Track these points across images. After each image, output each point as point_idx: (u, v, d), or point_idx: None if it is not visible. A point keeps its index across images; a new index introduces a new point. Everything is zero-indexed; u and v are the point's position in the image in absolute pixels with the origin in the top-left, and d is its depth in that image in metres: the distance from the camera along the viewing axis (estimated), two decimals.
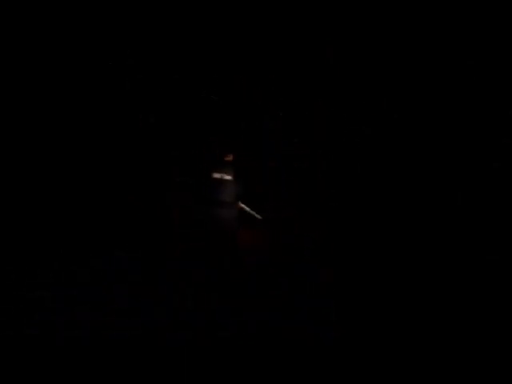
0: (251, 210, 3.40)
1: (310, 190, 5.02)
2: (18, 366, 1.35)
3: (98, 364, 1.41)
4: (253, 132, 5.17)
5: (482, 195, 4.52)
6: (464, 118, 4.75)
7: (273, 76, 5.02)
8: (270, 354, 1.55)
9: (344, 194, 5.04)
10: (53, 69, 4.53)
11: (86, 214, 4.35)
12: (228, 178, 3.25)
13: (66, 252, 3.69)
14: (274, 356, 1.53)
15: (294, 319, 2.39)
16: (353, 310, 3.01)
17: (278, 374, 1.39)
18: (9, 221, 3.92)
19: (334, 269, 3.79)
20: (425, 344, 1.76)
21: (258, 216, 3.45)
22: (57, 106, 4.69)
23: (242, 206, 3.32)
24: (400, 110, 5.09)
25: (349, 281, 3.56)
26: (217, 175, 3.21)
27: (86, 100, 4.77)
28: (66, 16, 4.17)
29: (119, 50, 4.61)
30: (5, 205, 4.05)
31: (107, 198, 4.50)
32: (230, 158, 3.38)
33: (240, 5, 4.37)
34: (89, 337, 2.07)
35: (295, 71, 5.04)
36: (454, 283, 3.44)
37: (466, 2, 4.08)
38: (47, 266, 3.39)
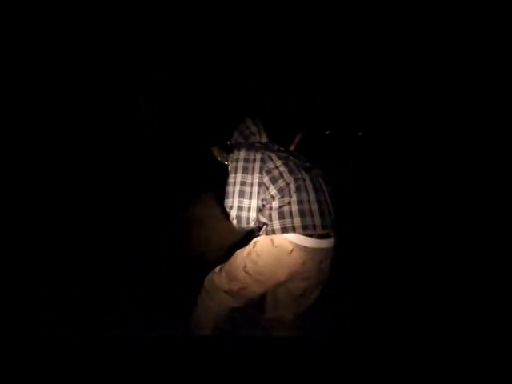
0: None
1: None
2: (18, 365, 1.35)
3: (97, 364, 1.41)
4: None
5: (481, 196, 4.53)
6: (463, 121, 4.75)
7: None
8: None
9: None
10: (53, 69, 4.53)
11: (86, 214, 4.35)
12: None
13: (65, 251, 3.69)
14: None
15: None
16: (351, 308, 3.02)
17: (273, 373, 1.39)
18: (9, 222, 3.92)
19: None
20: (425, 343, 1.76)
21: None
22: (57, 108, 4.69)
23: None
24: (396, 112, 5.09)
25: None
26: None
27: (86, 102, 4.78)
28: (66, 17, 4.18)
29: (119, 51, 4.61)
30: (7, 206, 4.05)
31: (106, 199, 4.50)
32: None
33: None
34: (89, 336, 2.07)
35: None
36: (454, 283, 3.44)
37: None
38: (47, 265, 3.39)
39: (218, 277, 1.94)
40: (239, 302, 1.93)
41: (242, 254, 1.84)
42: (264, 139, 1.93)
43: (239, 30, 4.58)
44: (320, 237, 1.71)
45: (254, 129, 1.94)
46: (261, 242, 1.75)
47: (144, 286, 3.13)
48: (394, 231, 4.52)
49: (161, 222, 4.14)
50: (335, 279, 3.66)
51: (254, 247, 1.78)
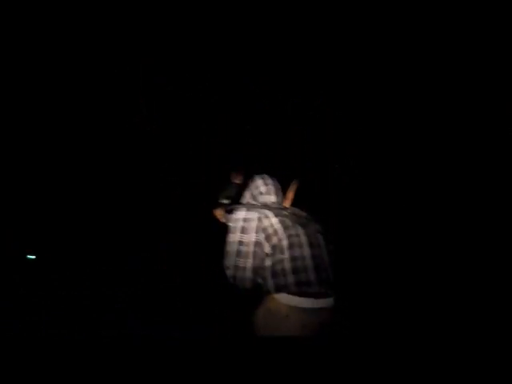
0: None
1: None
2: (18, 366, 1.35)
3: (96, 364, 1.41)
4: None
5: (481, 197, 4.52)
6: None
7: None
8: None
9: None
10: (53, 70, 4.53)
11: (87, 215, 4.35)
12: None
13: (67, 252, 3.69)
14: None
15: None
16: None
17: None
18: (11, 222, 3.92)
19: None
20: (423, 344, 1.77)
21: None
22: (58, 108, 4.69)
23: None
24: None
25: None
26: None
27: (87, 102, 4.77)
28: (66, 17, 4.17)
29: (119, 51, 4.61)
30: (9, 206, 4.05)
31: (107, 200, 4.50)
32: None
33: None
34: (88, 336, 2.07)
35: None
36: (453, 283, 3.44)
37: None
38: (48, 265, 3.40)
39: None
40: None
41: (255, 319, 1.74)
42: (273, 198, 1.89)
43: (239, 31, 4.58)
44: (317, 296, 1.59)
45: (263, 189, 1.91)
46: (260, 313, 1.68)
47: (144, 286, 3.14)
48: (394, 231, 4.51)
49: (161, 222, 4.14)
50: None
51: (257, 319, 1.70)
